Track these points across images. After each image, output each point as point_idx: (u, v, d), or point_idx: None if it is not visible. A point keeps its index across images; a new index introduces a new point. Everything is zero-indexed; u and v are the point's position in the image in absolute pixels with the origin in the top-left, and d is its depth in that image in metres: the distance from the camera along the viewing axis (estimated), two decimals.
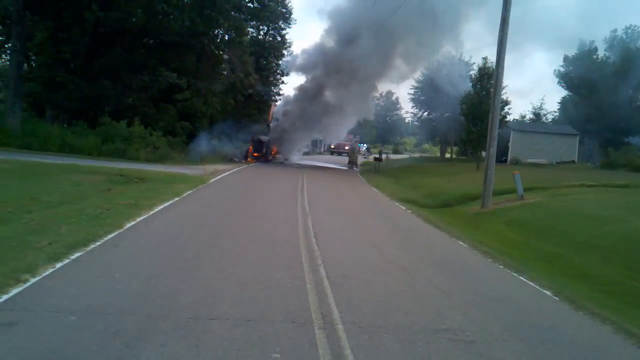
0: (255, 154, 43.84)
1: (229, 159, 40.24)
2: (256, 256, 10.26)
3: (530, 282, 10.23)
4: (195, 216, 14.78)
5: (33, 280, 7.42)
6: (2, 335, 5.54)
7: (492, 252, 13.01)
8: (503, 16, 20.33)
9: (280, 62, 57.36)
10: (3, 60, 47.26)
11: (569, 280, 11.09)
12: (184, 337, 5.86)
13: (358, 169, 47.64)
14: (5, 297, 6.66)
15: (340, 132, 62.08)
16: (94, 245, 9.80)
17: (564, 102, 71.97)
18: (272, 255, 10.50)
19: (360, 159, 57.99)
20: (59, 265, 8.32)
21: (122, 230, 11.49)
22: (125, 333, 5.83)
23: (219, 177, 27.11)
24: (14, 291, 6.89)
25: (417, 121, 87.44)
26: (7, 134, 30.13)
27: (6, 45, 42.29)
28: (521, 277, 10.59)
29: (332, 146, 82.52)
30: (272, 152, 48.74)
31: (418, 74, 69.36)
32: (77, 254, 9.06)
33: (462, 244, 14.09)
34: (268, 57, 55.60)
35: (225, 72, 46.46)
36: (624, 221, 15.14)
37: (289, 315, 6.86)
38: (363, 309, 7.46)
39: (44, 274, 7.75)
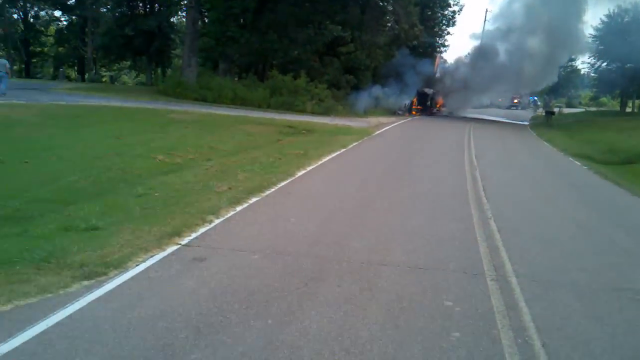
0: (418, 107, 43.27)
1: (392, 112, 40.16)
2: (424, 207, 10.24)
3: None
4: (362, 167, 15.02)
5: (217, 221, 8.00)
6: (194, 269, 6.03)
7: None
8: None
9: (446, 12, 55.90)
10: (179, 17, 50.35)
11: None
12: (357, 280, 6.05)
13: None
14: (194, 235, 7.23)
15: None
16: (269, 192, 10.33)
17: None
18: (440, 206, 10.44)
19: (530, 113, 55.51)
20: (239, 208, 8.88)
21: (294, 178, 11.98)
22: (303, 272, 6.12)
23: (383, 129, 27.23)
24: (202, 230, 7.47)
25: (594, 72, 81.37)
26: (184, 87, 32.30)
27: (182, 3, 44.99)
28: None
29: (500, 99, 79.45)
30: (437, 105, 47.83)
31: (597, 22, 64.42)
32: (254, 199, 9.60)
33: None
34: (433, 7, 54.35)
35: (389, 24, 46.06)
36: None
37: (460, 265, 6.82)
38: (536, 263, 7.24)
39: (227, 216, 8.32)
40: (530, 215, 10.39)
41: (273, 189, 10.59)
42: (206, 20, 42.45)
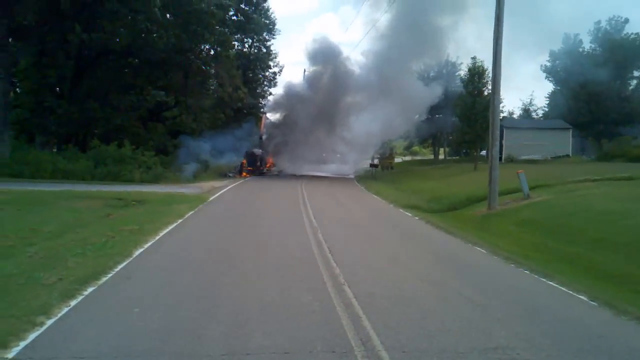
0: (249, 168, 43.32)
1: (223, 175, 39.75)
2: (276, 278, 9.80)
3: (562, 288, 9.81)
4: (203, 238, 14.36)
5: (49, 322, 6.97)
6: None
7: (513, 257, 12.62)
8: (497, 15, 20.08)
9: (267, 73, 57.24)
10: None
11: (596, 281, 10.68)
12: None
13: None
14: (23, 343, 6.20)
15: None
16: (105, 278, 9.34)
17: (552, 97, 72.06)
18: (291, 276, 10.05)
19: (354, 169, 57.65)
20: (73, 303, 7.86)
21: (131, 258, 11.05)
22: None
23: (217, 194, 26.64)
24: (32, 336, 6.43)
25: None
26: None
27: None
28: (551, 282, 10.20)
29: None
30: (267, 165, 48.20)
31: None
32: (90, 289, 8.60)
33: (480, 249, 13.70)
34: (254, 69, 55.44)
35: (213, 87, 46.09)
36: (637, 215, 14.82)
37: (327, 344, 6.43)
38: (401, 330, 7.04)
39: (60, 314, 7.30)
40: (381, 276, 10.31)
41: (110, 274, 9.60)
42: (18, 91, 39.78)
